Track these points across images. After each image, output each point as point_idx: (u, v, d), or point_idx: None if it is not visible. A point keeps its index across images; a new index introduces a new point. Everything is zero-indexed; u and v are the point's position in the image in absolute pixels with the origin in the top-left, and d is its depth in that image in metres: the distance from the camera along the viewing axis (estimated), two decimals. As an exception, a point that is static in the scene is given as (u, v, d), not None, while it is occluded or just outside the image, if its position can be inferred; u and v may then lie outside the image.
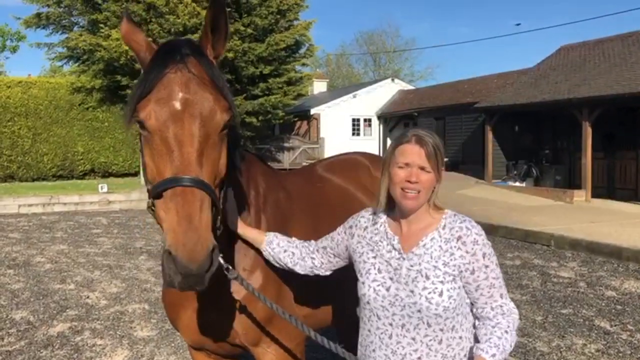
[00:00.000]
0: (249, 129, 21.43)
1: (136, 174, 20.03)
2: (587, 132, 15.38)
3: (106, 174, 20.99)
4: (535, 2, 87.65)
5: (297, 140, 28.42)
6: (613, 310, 6.14)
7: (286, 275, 2.31)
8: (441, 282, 1.89)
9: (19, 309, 6.23)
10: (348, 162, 3.30)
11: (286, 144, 27.34)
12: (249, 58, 20.55)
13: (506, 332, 1.89)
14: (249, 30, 20.37)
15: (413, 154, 1.92)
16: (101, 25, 19.83)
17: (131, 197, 16.35)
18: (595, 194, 15.52)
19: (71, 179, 20.49)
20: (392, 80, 34.06)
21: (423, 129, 2.01)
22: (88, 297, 6.69)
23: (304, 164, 19.98)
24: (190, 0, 19.63)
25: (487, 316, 1.93)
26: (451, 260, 1.91)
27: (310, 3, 24.60)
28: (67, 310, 6.18)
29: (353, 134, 31.03)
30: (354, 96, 31.38)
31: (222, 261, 1.90)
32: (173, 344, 5.11)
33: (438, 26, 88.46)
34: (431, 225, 1.99)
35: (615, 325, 5.63)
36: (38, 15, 21.18)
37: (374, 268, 2.01)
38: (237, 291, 2.18)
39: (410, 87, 34.99)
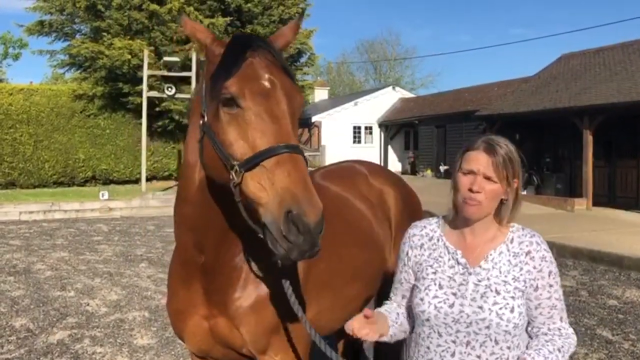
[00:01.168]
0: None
1: (137, 181, 20.03)
2: (588, 140, 15.39)
3: (107, 181, 21.00)
4: (536, 10, 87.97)
5: (298, 148, 28.41)
6: (615, 320, 6.11)
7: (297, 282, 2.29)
8: (512, 297, 1.84)
9: (19, 316, 6.22)
10: (346, 170, 3.29)
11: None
12: (250, 65, 20.61)
13: (559, 350, 1.83)
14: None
15: (479, 161, 1.84)
16: (103, 33, 19.93)
17: (132, 204, 16.33)
18: (596, 202, 15.50)
19: (72, 186, 20.50)
20: (393, 88, 34.16)
21: (498, 137, 1.91)
22: (88, 305, 6.67)
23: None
24: (193, 8, 19.74)
25: (543, 333, 1.88)
26: (520, 275, 1.86)
27: (311, 12, 24.72)
28: (67, 317, 6.17)
29: (354, 141, 31.07)
30: (355, 104, 31.45)
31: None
32: (173, 352, 5.09)
33: (439, 34, 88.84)
34: (497, 238, 1.93)
35: (617, 335, 5.61)
36: (41, 22, 21.32)
37: (434, 284, 1.93)
38: (247, 298, 2.15)
39: (411, 95, 35.08)
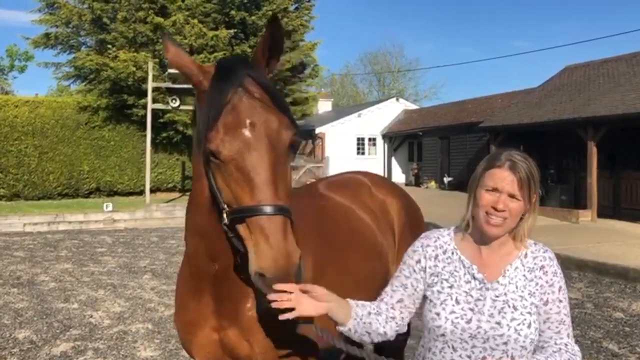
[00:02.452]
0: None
1: (141, 192, 20.05)
2: (593, 151, 15.36)
3: (111, 193, 21.03)
4: (540, 23, 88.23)
5: (302, 159, 28.47)
6: (621, 332, 6.06)
7: None
8: (529, 312, 1.84)
9: (22, 328, 6.21)
10: (349, 181, 3.30)
11: (291, 163, 27.38)
12: (254, 78, 20.69)
13: None
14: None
15: (503, 180, 1.82)
16: (108, 45, 20.06)
17: (136, 215, 16.35)
18: (601, 214, 15.44)
19: (76, 197, 20.53)
20: (397, 99, 34.23)
21: (519, 152, 1.88)
22: (92, 317, 6.66)
23: (309, 183, 19.98)
24: (197, 21, 19.86)
25: (550, 347, 1.86)
26: (536, 290, 1.86)
27: (315, 24, 24.80)
28: (71, 329, 6.15)
29: (358, 153, 31.10)
30: (359, 115, 31.51)
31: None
32: (176, 365, 5.07)
33: (442, 46, 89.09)
34: (511, 253, 1.92)
35: (623, 348, 5.56)
36: (47, 35, 21.49)
37: (451, 299, 1.90)
38: (254, 307, 2.13)
39: (414, 106, 35.12)
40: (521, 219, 1.89)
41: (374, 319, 1.98)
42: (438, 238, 2.03)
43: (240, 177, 1.70)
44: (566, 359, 1.83)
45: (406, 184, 27.92)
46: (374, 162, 29.70)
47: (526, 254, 1.92)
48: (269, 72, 1.88)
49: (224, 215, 1.75)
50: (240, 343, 2.15)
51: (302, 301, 1.78)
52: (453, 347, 1.89)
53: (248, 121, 1.71)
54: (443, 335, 1.89)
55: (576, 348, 1.89)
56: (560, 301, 1.87)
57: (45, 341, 5.74)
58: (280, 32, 1.81)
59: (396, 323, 2.02)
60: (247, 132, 1.71)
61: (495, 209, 1.82)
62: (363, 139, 31.33)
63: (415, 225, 3.28)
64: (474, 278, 1.91)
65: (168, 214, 16.68)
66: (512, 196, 1.82)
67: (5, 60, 47.06)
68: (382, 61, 56.22)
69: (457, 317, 1.87)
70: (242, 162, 1.70)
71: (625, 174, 15.96)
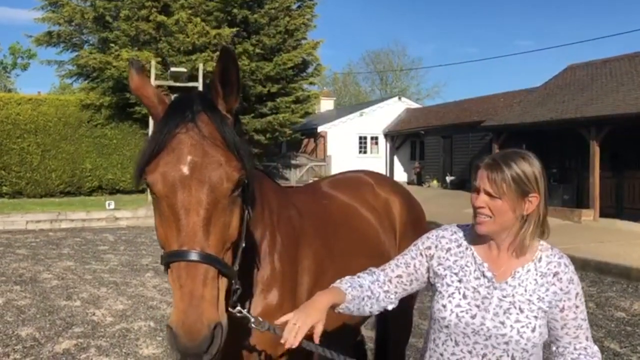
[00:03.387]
0: (256, 146, 21.54)
1: (143, 191, 20.07)
2: (595, 151, 15.34)
3: (113, 191, 21.06)
4: (543, 22, 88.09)
5: (304, 157, 28.50)
6: (623, 332, 6.06)
7: (305, 292, 2.29)
8: (535, 317, 1.84)
9: (25, 325, 6.23)
10: (352, 180, 3.31)
11: (293, 162, 27.45)
12: (257, 77, 20.73)
13: None
14: (257, 50, 20.58)
15: (481, 178, 1.86)
16: (111, 44, 20.10)
17: (138, 213, 16.37)
18: (604, 214, 15.42)
19: (79, 195, 20.57)
20: (399, 98, 34.19)
21: (514, 151, 1.90)
22: (94, 314, 6.68)
23: (311, 181, 20.03)
24: (200, 19, 19.87)
25: (570, 353, 1.88)
26: (546, 295, 1.86)
27: (317, 23, 24.81)
28: (73, 327, 6.17)
29: (360, 151, 31.09)
30: (361, 114, 31.50)
31: (248, 314, 1.89)
32: (178, 362, 5.08)
33: (445, 46, 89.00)
34: (527, 256, 1.92)
35: (625, 347, 5.56)
36: (49, 33, 21.53)
37: (459, 293, 1.93)
38: (255, 307, 2.14)
39: (417, 105, 35.09)
40: (525, 220, 1.87)
41: (375, 287, 2.02)
42: (455, 232, 2.05)
43: (170, 216, 1.63)
44: None
45: (408, 183, 27.90)
46: (376, 161, 29.69)
47: (540, 258, 1.91)
48: (229, 107, 1.80)
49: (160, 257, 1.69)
50: (236, 344, 2.16)
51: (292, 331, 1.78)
52: (455, 340, 1.91)
53: (189, 158, 1.65)
54: (447, 327, 1.92)
55: (595, 349, 1.90)
56: (577, 307, 1.88)
57: (48, 338, 5.76)
58: (234, 64, 1.73)
59: (388, 296, 2.05)
60: (184, 169, 1.64)
61: (474, 206, 1.87)
62: (365, 138, 31.32)
63: (417, 224, 3.29)
64: (484, 276, 1.92)
65: (170, 212, 16.68)
66: (487, 194, 1.83)
67: (8, 58, 47.28)
68: (384, 60, 56.22)
69: (462, 311, 1.89)
70: (174, 200, 1.63)
71: (627, 174, 15.94)
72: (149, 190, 1.71)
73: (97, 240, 12.75)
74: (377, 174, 3.55)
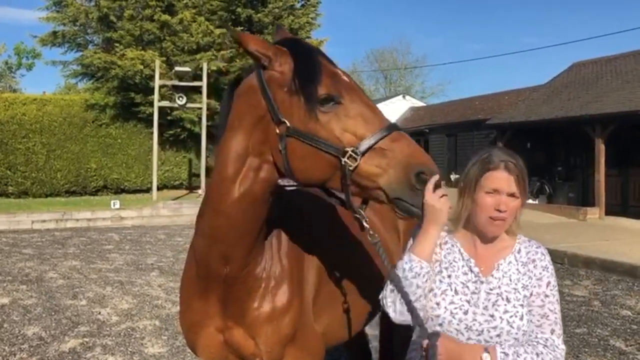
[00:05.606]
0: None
1: (148, 190, 20.11)
2: (600, 149, 15.29)
3: (118, 190, 21.10)
4: (548, 19, 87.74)
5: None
6: (628, 330, 6.05)
7: (311, 289, 2.30)
8: (521, 305, 1.89)
9: (31, 324, 6.26)
10: None
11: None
12: (261, 75, 20.70)
13: (537, 355, 1.83)
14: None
15: (502, 180, 1.88)
16: (116, 43, 20.13)
17: (143, 213, 16.41)
18: (609, 212, 15.38)
19: (84, 195, 20.62)
20: (403, 97, 34.18)
21: (503, 151, 1.98)
22: (99, 313, 6.70)
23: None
24: (204, 19, 19.89)
25: (528, 340, 1.88)
26: (529, 282, 1.91)
27: (321, 22, 24.77)
28: (79, 326, 6.20)
29: (364, 150, 31.01)
30: (365, 113, 31.41)
31: (365, 224, 1.92)
32: (184, 361, 5.09)
33: (449, 43, 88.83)
34: (506, 248, 1.98)
35: (630, 345, 5.55)
36: (54, 33, 21.57)
37: (450, 289, 1.95)
38: (265, 307, 2.16)
39: (421, 103, 35.06)
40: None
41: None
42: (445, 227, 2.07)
43: (363, 112, 1.84)
44: (539, 351, 1.83)
45: (413, 182, 27.79)
46: (381, 159, 29.62)
47: (519, 250, 1.98)
48: None
49: (347, 160, 1.77)
50: (245, 341, 2.17)
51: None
52: None
53: (341, 71, 1.92)
54: (441, 325, 1.92)
55: (558, 344, 1.88)
56: (547, 296, 1.90)
57: (53, 337, 5.79)
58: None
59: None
60: (347, 79, 1.90)
61: (498, 210, 1.88)
62: (369, 137, 31.25)
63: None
64: (471, 271, 1.96)
65: (175, 212, 16.74)
66: (511, 195, 1.88)
67: (13, 58, 47.39)
68: (388, 58, 56.18)
69: (455, 308, 1.91)
70: (359, 99, 1.86)
71: (633, 172, 15.89)
72: (321, 105, 1.84)
73: (102, 240, 12.79)
74: None
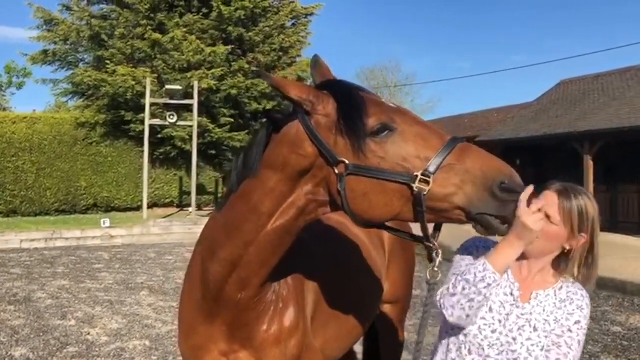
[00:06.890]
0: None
1: (139, 208, 20.01)
2: (589, 165, 15.42)
3: (109, 209, 20.97)
4: (535, 37, 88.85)
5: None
6: (619, 347, 6.06)
7: (310, 309, 2.31)
8: (546, 337, 1.86)
9: (19, 345, 6.18)
10: None
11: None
12: (252, 94, 20.80)
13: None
14: (253, 67, 20.65)
15: (551, 202, 1.88)
16: (107, 62, 20.15)
17: (133, 231, 16.31)
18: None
19: (74, 213, 20.47)
20: (394, 114, 34.29)
21: (582, 189, 1.95)
22: (89, 334, 6.63)
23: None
24: (195, 37, 19.98)
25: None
26: (562, 317, 1.89)
27: (312, 40, 24.91)
28: (68, 347, 6.13)
29: (355, 167, 31.08)
30: (356, 130, 31.53)
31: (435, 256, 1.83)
32: (174, 382, 5.04)
33: (439, 61, 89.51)
34: (548, 282, 1.96)
35: (621, 362, 5.55)
36: (45, 52, 21.57)
37: (486, 305, 1.92)
38: (273, 330, 2.14)
39: (411, 121, 35.19)
40: (567, 254, 1.92)
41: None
42: (490, 242, 2.04)
43: (420, 133, 1.75)
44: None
45: (404, 199, 27.87)
46: (372, 176, 29.69)
47: (561, 287, 1.95)
48: None
49: (418, 185, 1.66)
50: None
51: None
52: (469, 349, 1.93)
53: (383, 100, 1.90)
54: (466, 335, 1.93)
55: None
56: (570, 330, 1.87)
57: (42, 359, 5.71)
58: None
59: None
60: (392, 104, 1.86)
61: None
62: (360, 154, 31.34)
63: (404, 241, 3.28)
64: (512, 294, 1.95)
65: (165, 230, 16.66)
66: (548, 217, 1.83)
67: (4, 76, 47.26)
68: (379, 76, 56.48)
69: (485, 324, 1.92)
70: (410, 120, 1.79)
71: (622, 188, 16.02)
72: (376, 134, 1.78)
73: (92, 259, 12.69)
74: None
